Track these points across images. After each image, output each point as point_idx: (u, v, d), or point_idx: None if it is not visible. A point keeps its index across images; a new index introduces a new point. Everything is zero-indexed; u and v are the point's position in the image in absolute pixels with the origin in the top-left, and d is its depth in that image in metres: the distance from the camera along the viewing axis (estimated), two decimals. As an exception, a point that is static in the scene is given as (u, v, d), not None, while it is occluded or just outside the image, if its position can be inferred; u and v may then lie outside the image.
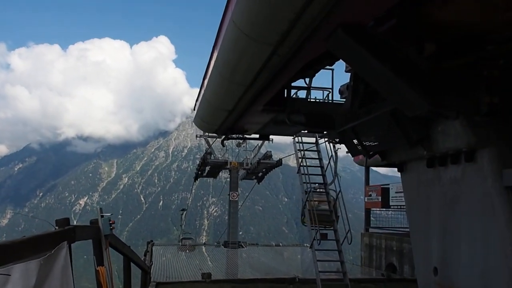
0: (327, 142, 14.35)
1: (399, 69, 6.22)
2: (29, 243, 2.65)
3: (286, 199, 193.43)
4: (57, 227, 3.56)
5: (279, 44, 6.57)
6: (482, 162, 6.58)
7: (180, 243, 29.34)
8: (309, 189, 13.45)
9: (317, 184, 16.70)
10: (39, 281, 2.62)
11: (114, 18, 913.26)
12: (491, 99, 6.37)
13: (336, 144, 14.44)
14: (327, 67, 10.38)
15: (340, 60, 9.10)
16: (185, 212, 34.87)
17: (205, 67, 11.45)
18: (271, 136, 17.88)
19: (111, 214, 4.79)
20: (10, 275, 2.27)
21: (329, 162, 13.91)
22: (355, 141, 9.42)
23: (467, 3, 5.87)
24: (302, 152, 14.06)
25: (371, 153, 9.33)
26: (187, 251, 26.27)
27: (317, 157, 14.64)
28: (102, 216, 4.64)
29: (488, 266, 6.51)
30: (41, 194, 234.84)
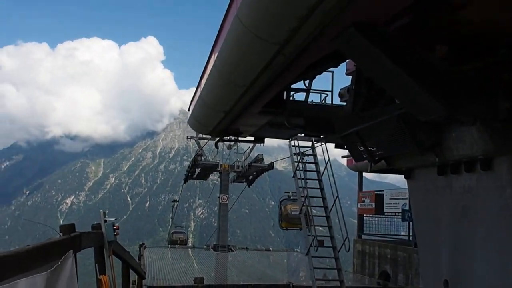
0: (323, 146, 14.03)
1: (414, 71, 5.85)
2: (34, 254, 2.33)
3: (273, 203, 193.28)
4: (61, 234, 3.16)
5: (286, 43, 6.19)
6: (500, 170, 6.22)
7: (169, 239, 28.69)
8: (305, 195, 13.11)
9: (290, 193, 20.79)
10: None
11: (103, 17, 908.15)
12: (510, 105, 6.02)
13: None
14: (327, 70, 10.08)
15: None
16: (176, 204, 34.00)
17: (202, 68, 11.09)
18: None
19: (115, 219, 4.39)
20: None
21: (325, 167, 13.59)
22: (359, 146, 9.05)
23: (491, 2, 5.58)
24: (298, 156, 13.75)
25: (376, 158, 8.97)
26: (177, 246, 25.97)
27: (312, 161, 14.35)
28: (105, 221, 4.23)
29: (506, 282, 6.16)
30: (27, 192, 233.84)
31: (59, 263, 2.67)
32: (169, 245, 28.21)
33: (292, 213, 20.03)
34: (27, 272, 2.16)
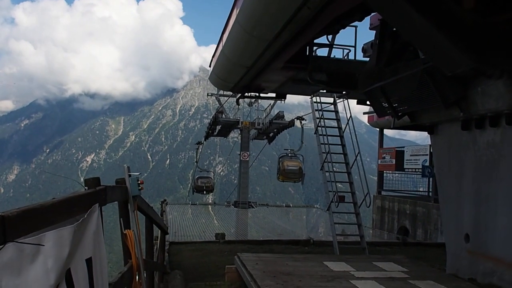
0: (345, 102, 13.94)
1: (441, 23, 5.75)
2: (60, 207, 2.29)
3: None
4: (86, 188, 3.18)
5: (311, -6, 6.11)
6: (525, 125, 6.18)
7: (194, 185, 27.78)
8: (327, 152, 13.11)
9: (289, 150, 24.01)
10: (72, 250, 2.30)
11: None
12: (538, 58, 5.91)
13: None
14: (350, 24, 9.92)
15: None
16: (201, 146, 31.82)
17: (222, 24, 11.00)
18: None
19: (139, 174, 4.40)
20: (43, 245, 1.94)
21: (347, 123, 13.53)
22: (383, 102, 8.98)
23: None
24: (320, 113, 13.69)
25: (400, 114, 8.91)
26: (198, 203, 26.11)
27: (334, 117, 14.27)
28: (129, 176, 4.26)
29: (528, 235, 6.20)
30: (48, 150, 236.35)
31: (85, 216, 2.66)
32: (194, 192, 27.55)
33: (288, 168, 22.86)
34: (53, 226, 2.13)
